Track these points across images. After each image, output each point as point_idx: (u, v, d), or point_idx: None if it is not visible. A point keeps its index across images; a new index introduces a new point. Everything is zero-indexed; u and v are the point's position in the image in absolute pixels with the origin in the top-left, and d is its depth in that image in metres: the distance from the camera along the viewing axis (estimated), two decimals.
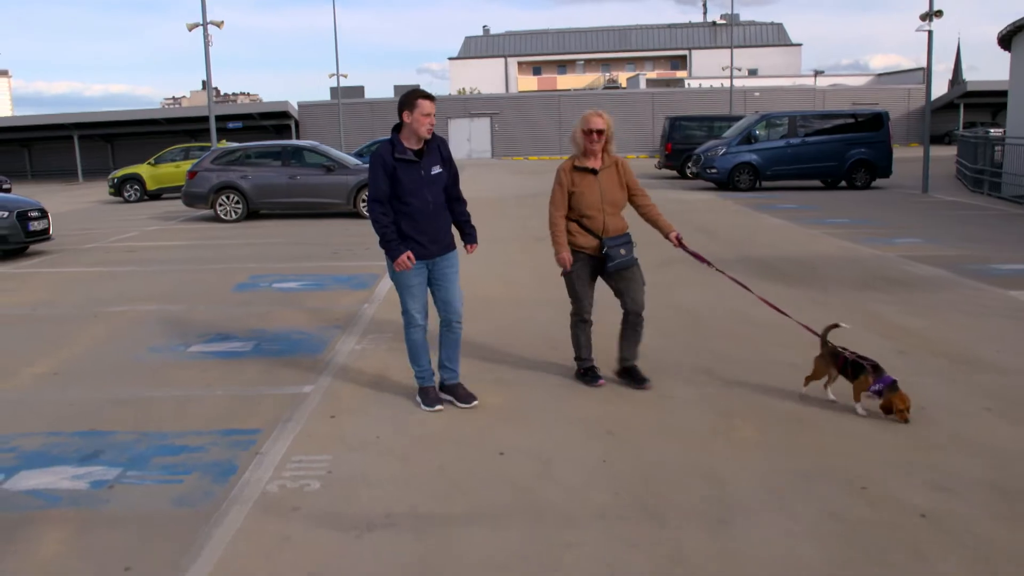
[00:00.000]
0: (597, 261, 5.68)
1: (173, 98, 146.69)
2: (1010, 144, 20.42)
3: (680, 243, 5.80)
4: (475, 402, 5.50)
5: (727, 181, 22.60)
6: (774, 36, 77.32)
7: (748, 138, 22.84)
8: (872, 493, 4.12)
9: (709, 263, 6.00)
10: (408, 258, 5.15)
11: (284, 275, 10.83)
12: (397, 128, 5.21)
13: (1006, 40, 23.14)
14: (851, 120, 23.62)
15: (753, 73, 68.30)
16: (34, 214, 13.00)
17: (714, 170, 22.84)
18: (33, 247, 13.61)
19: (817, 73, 56.32)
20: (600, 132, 5.57)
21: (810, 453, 4.64)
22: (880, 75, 56.20)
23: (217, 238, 15.35)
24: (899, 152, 30.66)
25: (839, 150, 22.56)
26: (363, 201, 17.49)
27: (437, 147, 5.30)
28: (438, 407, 5.44)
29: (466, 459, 4.65)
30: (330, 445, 4.88)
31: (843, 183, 22.95)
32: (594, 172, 5.66)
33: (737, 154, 22.59)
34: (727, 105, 45.02)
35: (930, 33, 21.01)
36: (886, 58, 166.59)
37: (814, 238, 13.46)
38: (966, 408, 5.32)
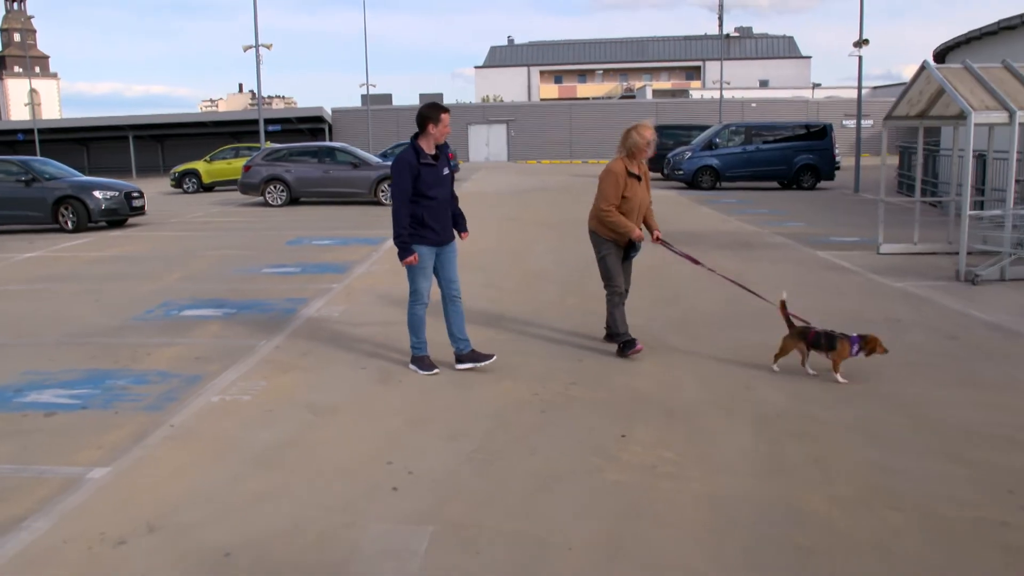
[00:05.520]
0: (624, 248, 6.81)
1: (211, 100, 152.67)
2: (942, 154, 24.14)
3: (658, 239, 6.91)
4: (494, 357, 6.41)
5: (692, 181, 26.66)
6: (784, 49, 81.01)
7: (710, 144, 26.90)
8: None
9: (672, 247, 7.25)
10: (414, 259, 6.09)
11: (320, 236, 15.26)
12: (416, 136, 6.04)
13: (940, 57, 26.84)
14: (802, 130, 27.59)
15: (764, 84, 72.00)
16: (135, 194, 17.56)
17: (681, 171, 26.94)
18: (133, 219, 18.17)
19: (815, 86, 60.22)
20: (650, 144, 6.52)
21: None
22: (875, 87, 59.89)
23: (268, 216, 19.86)
24: (875, 160, 34.46)
25: (788, 156, 26.52)
26: (382, 191, 21.84)
27: (445, 152, 6.17)
28: (435, 370, 6.33)
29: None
30: (346, 304, 9.17)
31: (794, 185, 26.89)
32: (639, 178, 6.58)
33: (700, 158, 26.66)
34: (727, 115, 48.88)
35: (860, 59, 25.01)
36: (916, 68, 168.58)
37: (723, 221, 17.54)
38: (706, 297, 9.45)
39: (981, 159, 15.27)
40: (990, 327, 7.83)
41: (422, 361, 6.38)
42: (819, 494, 4.20)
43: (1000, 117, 10.33)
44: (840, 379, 6.04)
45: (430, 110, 5.97)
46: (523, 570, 3.50)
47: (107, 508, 4.10)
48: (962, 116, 10.50)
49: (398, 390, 6.04)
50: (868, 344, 6.02)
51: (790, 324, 6.31)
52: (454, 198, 6.41)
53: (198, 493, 4.27)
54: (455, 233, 6.44)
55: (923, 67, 11.51)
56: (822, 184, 27.07)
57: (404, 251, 6.07)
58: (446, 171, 6.16)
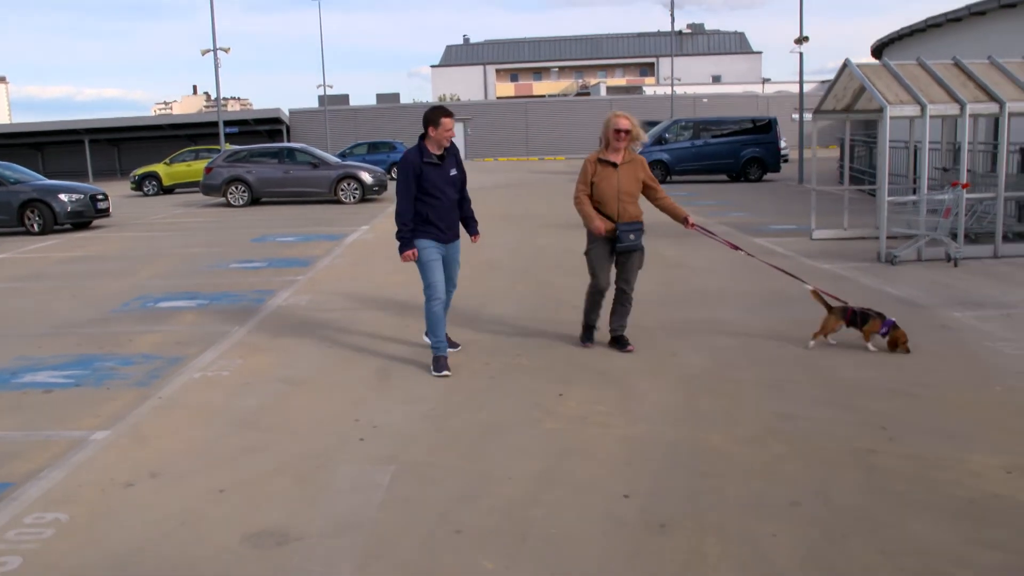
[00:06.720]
0: (613, 242, 6.68)
1: (165, 103, 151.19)
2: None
3: (692, 225, 6.92)
4: (460, 347, 6.94)
5: None
6: (736, 45, 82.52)
7: (660, 140, 27.80)
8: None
9: (713, 235, 7.82)
10: (413, 254, 6.21)
11: (284, 234, 15.84)
12: (423, 137, 6.22)
13: (878, 52, 28.01)
14: (748, 125, 28.62)
15: (716, 80, 73.43)
16: (100, 197, 17.97)
17: None
18: (98, 221, 18.57)
19: (765, 81, 61.75)
20: (627, 132, 6.46)
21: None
22: (823, 82, 61.45)
23: (231, 216, 20.35)
24: (822, 152, 35.75)
25: (735, 149, 27.51)
26: (342, 190, 22.45)
27: (454, 154, 6.31)
28: (445, 372, 6.26)
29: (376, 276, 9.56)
30: (311, 294, 9.81)
31: (741, 178, 27.88)
32: (614, 165, 6.55)
33: (650, 153, 27.44)
34: (679, 111, 49.95)
35: (800, 55, 26.07)
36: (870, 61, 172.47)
37: None
38: (647, 280, 10.18)
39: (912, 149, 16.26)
40: (899, 301, 8.69)
41: (438, 362, 6.31)
42: (721, 435, 4.96)
43: (913, 111, 11.24)
44: (871, 347, 6.72)
45: (432, 113, 6.16)
46: (471, 496, 4.21)
47: (113, 461, 4.75)
48: (881, 110, 11.38)
49: (363, 365, 6.71)
50: (895, 334, 6.57)
51: (827, 305, 6.89)
52: (466, 199, 6.60)
53: (191, 448, 4.93)
54: (466, 235, 6.70)
55: (845, 65, 12.40)
56: (768, 176, 28.06)
57: (403, 245, 6.24)
58: (453, 172, 6.30)
